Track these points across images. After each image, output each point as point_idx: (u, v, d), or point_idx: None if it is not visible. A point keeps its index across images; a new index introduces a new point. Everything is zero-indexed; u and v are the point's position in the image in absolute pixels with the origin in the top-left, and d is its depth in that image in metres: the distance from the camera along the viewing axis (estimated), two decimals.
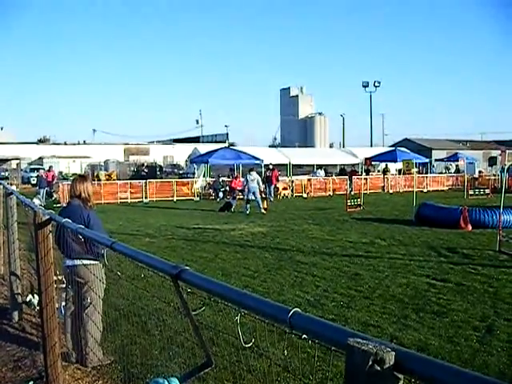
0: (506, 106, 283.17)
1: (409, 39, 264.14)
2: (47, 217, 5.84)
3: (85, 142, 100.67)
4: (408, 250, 16.35)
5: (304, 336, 2.08)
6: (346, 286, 11.80)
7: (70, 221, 5.57)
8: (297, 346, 6.79)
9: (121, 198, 38.40)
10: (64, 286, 7.87)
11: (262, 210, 28.78)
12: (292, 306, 2.14)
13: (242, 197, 37.43)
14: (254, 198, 29.77)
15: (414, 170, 37.05)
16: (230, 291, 2.56)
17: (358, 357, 1.65)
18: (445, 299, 10.71)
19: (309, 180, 45.94)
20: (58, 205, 29.76)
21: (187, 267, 2.94)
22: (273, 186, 39.45)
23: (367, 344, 1.67)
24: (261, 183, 30.72)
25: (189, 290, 3.26)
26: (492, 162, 61.21)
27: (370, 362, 1.62)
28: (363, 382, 1.64)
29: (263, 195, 38.13)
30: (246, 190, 30.23)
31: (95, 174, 61.37)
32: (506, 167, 30.10)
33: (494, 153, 76.43)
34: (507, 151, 55.54)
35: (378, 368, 1.62)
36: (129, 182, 42.28)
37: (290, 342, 7.09)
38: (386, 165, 54.04)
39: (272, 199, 38.23)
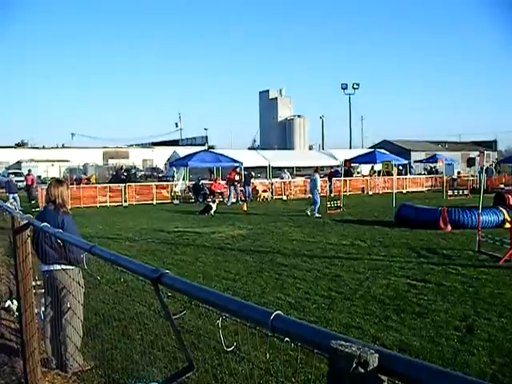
0: (484, 107, 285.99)
1: (388, 41, 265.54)
2: (25, 221, 5.79)
3: (63, 146, 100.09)
4: (388, 251, 16.41)
5: (286, 339, 2.06)
6: (326, 288, 11.82)
7: (48, 225, 5.52)
8: (279, 349, 6.77)
9: (100, 202, 38.14)
10: (43, 291, 7.79)
11: (317, 214, 28.22)
12: (273, 308, 2.12)
13: (221, 199, 37.42)
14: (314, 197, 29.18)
15: (395, 171, 37.31)
16: (211, 295, 2.54)
17: (342, 359, 1.64)
18: (425, 300, 10.76)
19: (288, 182, 45.94)
20: (37, 209, 29.54)
21: (167, 271, 2.92)
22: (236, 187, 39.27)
23: (350, 346, 1.66)
24: (318, 186, 30.02)
25: (169, 294, 3.24)
26: (470, 162, 61.50)
27: (354, 365, 1.61)
28: None
29: (242, 197, 38.25)
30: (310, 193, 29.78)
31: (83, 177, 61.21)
32: (484, 168, 30.35)
33: (473, 154, 76.89)
34: (485, 152, 55.99)
35: (362, 370, 1.61)
36: (108, 185, 42.01)
37: (271, 345, 7.07)
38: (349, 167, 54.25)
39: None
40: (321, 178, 35.80)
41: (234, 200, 38.25)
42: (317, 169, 31.73)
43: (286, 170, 49.90)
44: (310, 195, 30.00)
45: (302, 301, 10.81)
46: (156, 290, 2.98)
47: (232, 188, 38.70)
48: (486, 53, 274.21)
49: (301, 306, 10.46)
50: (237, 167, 41.15)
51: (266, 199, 40.23)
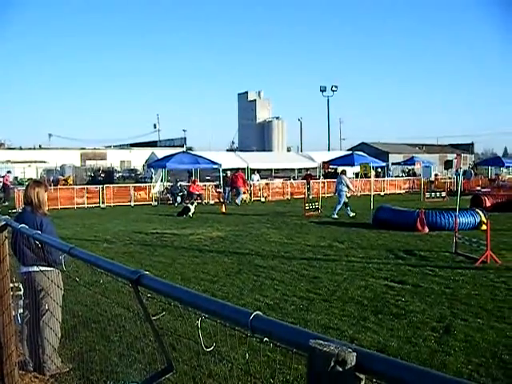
0: (461, 110, 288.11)
1: (366, 45, 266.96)
2: (3, 222, 5.76)
3: (41, 147, 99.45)
4: (366, 253, 16.48)
5: (265, 339, 2.08)
6: (305, 290, 11.85)
7: (26, 227, 5.50)
8: (257, 350, 6.79)
9: (77, 204, 37.89)
10: (21, 293, 7.75)
11: (335, 215, 28.31)
12: (252, 309, 2.14)
13: (199, 201, 37.36)
14: (339, 198, 29.15)
15: (373, 173, 37.43)
16: (191, 295, 2.55)
17: (320, 358, 1.66)
18: (403, 301, 10.83)
19: (267, 184, 45.98)
20: (14, 210, 29.30)
21: (147, 272, 2.93)
22: (242, 189, 39.75)
23: (329, 345, 1.68)
24: (350, 185, 30.04)
25: (148, 295, 3.25)
26: (448, 165, 62.00)
27: (332, 363, 1.63)
28: (325, 383, 1.65)
29: (221, 199, 38.27)
30: (337, 194, 29.85)
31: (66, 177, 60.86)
32: (460, 170, 30.57)
33: (450, 156, 77.41)
34: (462, 155, 56.37)
35: (340, 369, 1.63)
36: (85, 186, 41.79)
37: (250, 346, 7.09)
38: (335, 169, 54.44)
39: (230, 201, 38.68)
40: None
41: (244, 197, 39.71)
42: (343, 170, 31.73)
43: (256, 172, 49.95)
44: (337, 195, 29.93)
45: (280, 302, 10.83)
46: (135, 291, 2.99)
47: (237, 190, 39.43)
48: (465, 57, 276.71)
49: (279, 307, 10.49)
50: (239, 171, 41.49)
51: (245, 201, 40.23)
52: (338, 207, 28.45)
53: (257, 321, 2.04)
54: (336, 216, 27.66)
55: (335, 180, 50.35)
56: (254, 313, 2.06)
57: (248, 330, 2.07)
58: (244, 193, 40.78)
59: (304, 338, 1.78)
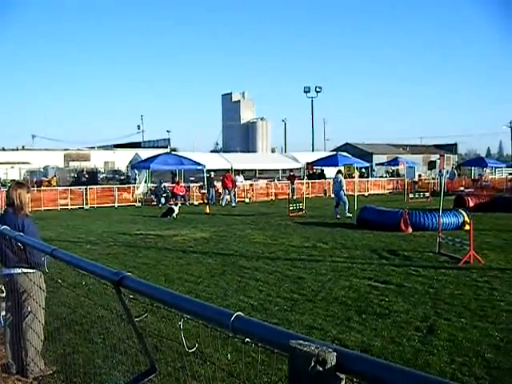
0: (445, 111, 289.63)
1: (350, 45, 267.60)
2: None
3: (24, 148, 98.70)
4: (350, 253, 16.52)
5: (247, 340, 2.08)
6: (289, 290, 11.86)
7: (8, 228, 5.47)
8: (241, 351, 6.79)
9: (61, 205, 37.71)
10: (3, 295, 7.70)
11: (348, 214, 28.23)
12: (236, 310, 2.13)
13: (183, 202, 37.31)
14: (336, 199, 29.34)
15: (356, 174, 37.53)
16: (173, 296, 2.55)
17: (301, 358, 1.66)
18: (387, 301, 10.86)
19: (251, 185, 45.97)
20: None
21: (129, 273, 2.92)
22: (231, 190, 40.02)
23: (309, 345, 1.68)
24: (344, 186, 30.13)
25: (131, 297, 3.24)
26: (431, 165, 62.13)
27: (312, 363, 1.63)
28: (306, 382, 1.65)
29: (205, 200, 38.24)
30: (334, 193, 29.79)
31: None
32: (444, 171, 30.74)
33: (434, 157, 77.68)
34: (445, 155, 56.60)
35: (320, 369, 1.63)
36: (69, 188, 41.58)
37: (234, 347, 7.07)
38: (322, 170, 54.58)
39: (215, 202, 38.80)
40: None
41: (228, 198, 39.75)
42: (340, 170, 31.84)
43: (240, 173, 49.97)
44: (334, 196, 29.92)
45: (265, 303, 10.84)
46: (117, 292, 2.98)
47: (226, 191, 39.63)
48: (449, 58, 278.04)
49: (263, 308, 10.49)
50: (229, 171, 41.56)
51: (229, 202, 40.20)
52: (347, 206, 28.63)
53: (238, 321, 2.04)
54: (349, 214, 27.88)
55: (320, 181, 50.75)
56: (236, 314, 2.06)
57: (229, 330, 2.07)
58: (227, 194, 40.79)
59: (284, 338, 1.78)
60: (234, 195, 39.68)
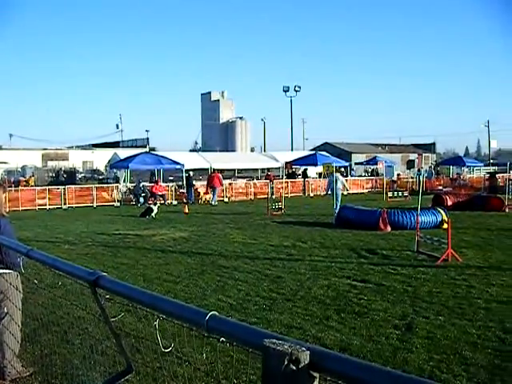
0: (423, 110, 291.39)
1: (329, 45, 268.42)
2: None
3: (1, 147, 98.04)
4: (329, 252, 16.57)
5: (222, 339, 2.08)
6: (268, 289, 11.87)
7: None
8: (221, 350, 6.78)
9: (39, 205, 37.41)
10: None
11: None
12: (215, 310, 2.13)
13: (162, 202, 37.22)
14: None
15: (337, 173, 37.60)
16: (148, 296, 2.54)
17: (274, 357, 1.66)
18: (365, 299, 10.91)
19: (230, 184, 45.94)
20: None
21: (105, 273, 2.90)
22: (217, 189, 40.29)
23: (283, 344, 1.68)
24: (346, 184, 30.15)
25: (107, 297, 3.22)
26: (410, 165, 62.53)
27: (286, 362, 1.63)
28: (280, 382, 1.65)
29: (184, 199, 38.19)
30: (330, 191, 29.82)
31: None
32: (422, 170, 30.94)
33: (412, 156, 78.17)
34: (423, 154, 56.97)
35: (294, 368, 1.63)
36: (47, 187, 41.27)
37: (213, 347, 7.07)
38: (306, 169, 54.71)
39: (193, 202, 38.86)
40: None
41: (208, 197, 40.27)
42: (339, 170, 31.96)
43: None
44: (330, 193, 29.84)
45: (244, 302, 10.83)
46: (93, 292, 2.96)
47: (215, 190, 39.92)
48: (426, 58, 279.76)
49: (242, 307, 10.48)
50: (215, 171, 41.64)
51: (208, 201, 40.17)
52: (338, 205, 28.63)
53: (213, 321, 2.03)
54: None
55: (299, 180, 50.79)
56: (210, 313, 2.05)
57: (204, 330, 2.06)
58: (206, 193, 40.74)
59: (258, 338, 1.78)
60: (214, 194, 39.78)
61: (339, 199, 28.73)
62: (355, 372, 1.58)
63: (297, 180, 51.80)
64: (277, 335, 1.79)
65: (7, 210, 7.78)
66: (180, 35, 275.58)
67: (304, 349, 1.66)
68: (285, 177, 49.90)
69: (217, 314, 2.07)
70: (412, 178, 54.42)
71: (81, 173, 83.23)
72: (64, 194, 38.69)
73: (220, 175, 41.13)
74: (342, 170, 32.60)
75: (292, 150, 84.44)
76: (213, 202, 39.00)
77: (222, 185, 41.14)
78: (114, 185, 43.47)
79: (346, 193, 30.86)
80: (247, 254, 16.65)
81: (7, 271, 6.87)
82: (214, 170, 41.70)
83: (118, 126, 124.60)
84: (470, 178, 61.56)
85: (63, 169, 78.77)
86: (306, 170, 54.77)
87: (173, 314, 2.33)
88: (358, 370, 1.57)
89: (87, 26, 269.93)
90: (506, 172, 42.74)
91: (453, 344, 8.18)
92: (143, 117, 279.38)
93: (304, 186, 48.92)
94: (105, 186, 45.13)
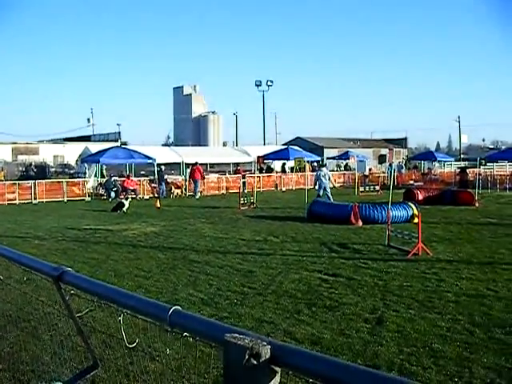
0: (395, 105, 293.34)
1: (301, 40, 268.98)
2: None
3: None
4: (300, 247, 16.62)
5: (185, 334, 2.06)
6: (239, 284, 11.88)
7: None
8: (192, 345, 6.75)
9: (8, 200, 37.04)
10: None
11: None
12: (185, 305, 2.12)
13: (134, 196, 37.06)
14: (326, 193, 29.53)
15: (308, 167, 37.75)
16: (112, 292, 2.51)
17: (235, 352, 1.65)
18: (336, 293, 10.96)
19: (202, 178, 45.85)
20: None
21: (69, 269, 2.87)
22: (199, 182, 40.82)
23: (243, 339, 1.67)
24: (331, 178, 30.35)
25: (72, 292, 3.18)
26: (381, 159, 62.99)
27: (247, 357, 1.62)
28: (241, 376, 1.64)
29: (156, 194, 38.09)
30: (317, 186, 29.85)
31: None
32: (394, 164, 31.16)
33: (384, 151, 78.67)
34: (394, 149, 57.39)
35: (255, 362, 1.62)
36: (17, 182, 40.87)
37: (184, 341, 7.04)
38: (270, 164, 55.06)
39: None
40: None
41: (179, 192, 41.21)
42: (324, 163, 32.13)
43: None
44: (320, 190, 29.90)
45: (215, 297, 10.83)
46: (58, 287, 2.93)
47: (197, 183, 40.53)
48: (399, 53, 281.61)
49: (213, 302, 10.47)
50: (197, 164, 41.65)
51: (180, 196, 40.05)
52: (330, 197, 28.83)
53: (175, 315, 2.02)
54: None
55: (270, 174, 50.86)
56: (173, 307, 2.04)
57: (167, 324, 2.05)
58: (178, 188, 40.64)
59: (219, 332, 1.77)
60: (186, 189, 39.79)
61: (329, 191, 29.09)
62: (316, 366, 1.57)
63: (268, 174, 51.80)
64: (238, 329, 1.78)
65: None
66: (151, 27, 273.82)
67: (265, 343, 1.65)
68: (257, 171, 49.92)
69: (180, 308, 2.05)
70: (384, 172, 54.75)
71: (52, 167, 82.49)
72: (34, 189, 38.34)
73: (201, 168, 41.25)
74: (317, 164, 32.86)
75: (264, 144, 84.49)
76: (196, 196, 39.44)
77: (203, 178, 41.40)
78: (85, 179, 43.14)
79: (331, 186, 30.97)
80: (219, 248, 16.64)
81: None
82: (196, 162, 41.53)
83: (89, 120, 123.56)
84: (440, 172, 62.03)
85: (33, 163, 78.06)
86: (270, 165, 55.33)
87: (137, 309, 2.31)
88: (319, 364, 1.57)
89: (59, 17, 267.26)
90: (476, 167, 43.10)
91: (422, 337, 8.26)
92: (115, 111, 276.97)
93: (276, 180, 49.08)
94: (76, 180, 44.78)
